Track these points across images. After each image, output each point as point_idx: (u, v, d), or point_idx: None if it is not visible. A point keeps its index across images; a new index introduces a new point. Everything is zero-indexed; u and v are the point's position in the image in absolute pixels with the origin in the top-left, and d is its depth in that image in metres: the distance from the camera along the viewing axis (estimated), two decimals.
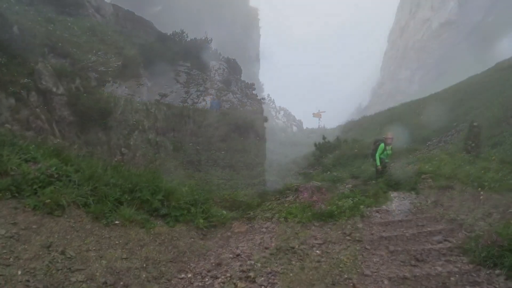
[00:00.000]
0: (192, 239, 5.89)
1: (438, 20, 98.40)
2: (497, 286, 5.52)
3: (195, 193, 6.88)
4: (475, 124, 23.52)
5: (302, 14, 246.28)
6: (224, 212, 7.22)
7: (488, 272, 5.99)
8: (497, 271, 5.91)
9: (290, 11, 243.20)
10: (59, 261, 4.44)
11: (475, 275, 5.92)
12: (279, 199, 10.58)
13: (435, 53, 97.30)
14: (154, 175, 6.54)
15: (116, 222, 5.62)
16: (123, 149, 27.10)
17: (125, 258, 4.88)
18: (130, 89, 27.16)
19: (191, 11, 50.62)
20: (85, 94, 22.89)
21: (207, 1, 57.71)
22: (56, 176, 5.65)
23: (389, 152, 13.22)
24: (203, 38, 54.33)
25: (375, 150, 13.32)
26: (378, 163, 13.01)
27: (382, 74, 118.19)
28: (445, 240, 7.79)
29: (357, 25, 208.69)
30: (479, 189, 13.53)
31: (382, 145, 13.02)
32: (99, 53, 24.44)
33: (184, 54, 37.43)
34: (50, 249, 4.59)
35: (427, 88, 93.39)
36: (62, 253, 4.57)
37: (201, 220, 6.35)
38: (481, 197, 12.72)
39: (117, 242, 5.22)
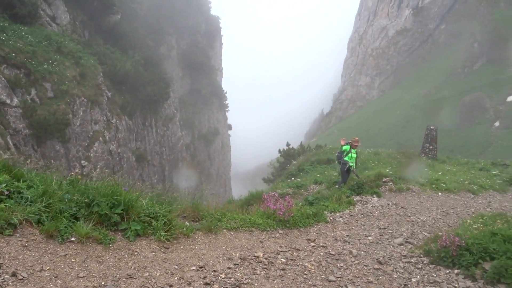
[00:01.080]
0: (154, 253, 5.73)
1: (395, 28, 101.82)
2: (456, 285, 5.67)
3: (157, 205, 6.70)
4: (432, 127, 24.41)
5: (264, 22, 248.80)
6: (188, 223, 7.08)
7: (447, 271, 6.15)
8: (456, 271, 6.08)
9: (252, 20, 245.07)
10: (10, 283, 4.19)
11: (435, 275, 6.06)
12: (244, 208, 10.51)
13: (393, 60, 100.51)
14: (113, 188, 6.32)
15: (72, 239, 5.38)
16: (82, 161, 26.30)
17: (82, 277, 4.66)
18: (89, 99, 26.43)
19: (152, 20, 50.01)
20: (41, 106, 22.08)
21: (168, 9, 57.20)
22: (6, 193, 5.36)
23: (354, 155, 13.41)
24: (165, 46, 53.83)
25: (341, 153, 13.53)
26: (353, 165, 13.28)
27: (343, 80, 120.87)
28: (407, 242, 7.96)
29: (319, 32, 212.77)
30: (437, 190, 14.05)
31: (347, 147, 13.23)
32: (55, 63, 23.66)
33: (145, 63, 36.88)
34: (0, 271, 4.33)
35: (386, 93, 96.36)
36: (13, 274, 4.32)
37: (163, 233, 6.18)
38: (439, 198, 13.19)
39: (73, 260, 4.99)
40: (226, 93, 74.67)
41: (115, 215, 6.02)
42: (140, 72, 35.10)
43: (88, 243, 5.44)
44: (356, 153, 13.69)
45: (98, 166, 27.34)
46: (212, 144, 64.28)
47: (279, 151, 29.65)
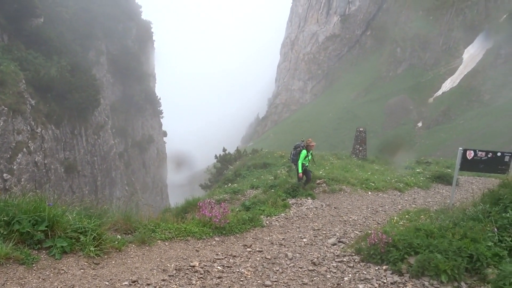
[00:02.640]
0: (82, 270, 5.43)
1: (324, 34, 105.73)
2: (384, 281, 5.93)
3: (85, 219, 6.38)
4: (361, 129, 25.53)
5: (199, 28, 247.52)
6: (119, 236, 6.80)
7: (376, 268, 6.43)
8: (384, 267, 6.37)
9: (187, 25, 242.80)
10: None
11: (365, 272, 6.31)
12: (180, 217, 10.32)
13: (323, 65, 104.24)
14: (36, 204, 5.92)
15: None
16: (4, 174, 24.50)
17: None
18: (10, 108, 24.71)
19: (79, 24, 47.85)
20: None
21: (97, 14, 55.02)
22: None
23: (310, 158, 13.50)
24: (94, 51, 51.70)
25: (296, 155, 13.36)
26: (300, 170, 13.19)
27: (277, 85, 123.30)
28: (339, 242, 8.23)
29: (252, 38, 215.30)
30: (367, 189, 14.70)
31: (304, 151, 13.19)
32: None
33: (72, 68, 35.16)
34: None
35: (319, 97, 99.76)
36: None
37: (92, 248, 5.89)
38: (369, 197, 13.81)
39: None
40: (160, 99, 73.25)
41: (39, 232, 5.65)
42: (67, 78, 33.42)
43: (8, 265, 5.05)
44: (312, 154, 13.77)
45: (23, 179, 25.62)
46: (147, 152, 62.70)
47: (216, 156, 29.55)
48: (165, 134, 76.35)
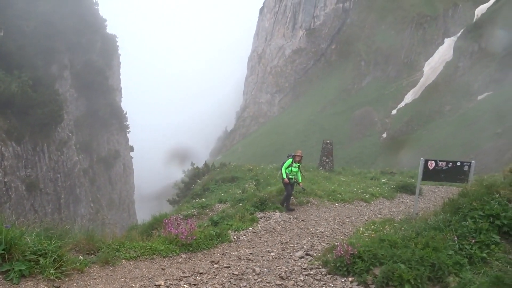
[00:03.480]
0: None
1: (291, 48, 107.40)
2: None
3: (45, 240, 6.14)
4: (327, 141, 25.91)
5: (161, 41, 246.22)
6: (81, 257, 6.59)
7: (343, 280, 6.48)
8: (350, 278, 6.44)
9: (151, 40, 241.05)
10: None
11: (332, 285, 6.36)
12: (146, 234, 10.13)
13: (290, 78, 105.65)
14: None
15: None
16: None
17: None
18: None
19: (41, 38, 46.65)
20: None
21: (60, 27, 53.84)
22: None
23: (294, 169, 13.05)
24: (57, 66, 50.48)
25: (283, 164, 13.13)
26: (284, 176, 13.00)
27: (244, 98, 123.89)
28: (307, 255, 8.26)
29: (219, 51, 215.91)
30: (334, 201, 14.88)
31: (289, 160, 13.05)
32: None
33: (34, 83, 34.17)
34: None
35: (286, 110, 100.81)
36: None
37: (52, 271, 5.67)
38: (336, 208, 13.97)
39: None
40: (126, 113, 72.08)
41: None
42: (28, 94, 32.44)
43: None
44: (299, 167, 13.31)
45: None
46: (113, 168, 61.35)
47: (184, 171, 29.24)
48: (131, 149, 75.05)
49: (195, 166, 29.59)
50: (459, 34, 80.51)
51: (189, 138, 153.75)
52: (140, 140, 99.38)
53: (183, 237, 7.83)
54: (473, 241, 6.36)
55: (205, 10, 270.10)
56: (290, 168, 12.98)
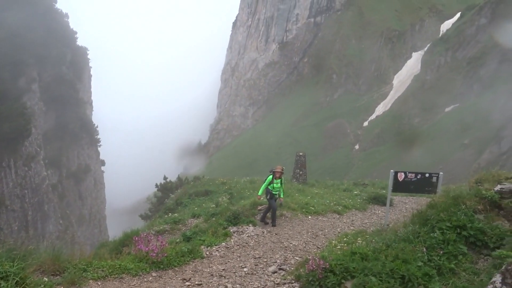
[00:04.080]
0: None
1: (264, 61, 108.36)
2: None
3: (7, 262, 5.89)
4: (300, 154, 26.07)
5: (135, 52, 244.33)
6: (46, 279, 6.34)
7: None
8: None
9: (123, 52, 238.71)
10: None
11: None
12: (117, 252, 9.89)
13: (264, 91, 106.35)
14: None
15: None
16: None
17: None
18: None
19: (8, 50, 45.50)
20: None
21: (28, 39, 52.65)
22: None
23: (276, 185, 12.91)
24: (24, 79, 49.21)
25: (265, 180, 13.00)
26: (260, 193, 12.92)
27: (218, 111, 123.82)
28: (280, 269, 8.21)
29: (193, 64, 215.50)
30: (307, 214, 14.91)
31: (270, 177, 12.93)
32: None
33: (0, 97, 33.19)
34: None
35: (260, 122, 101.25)
36: None
37: None
38: (309, 221, 14.01)
39: None
40: (97, 127, 70.79)
41: None
42: None
43: None
44: (281, 183, 13.14)
45: None
46: (83, 182, 59.92)
47: (157, 185, 28.78)
48: (103, 163, 73.57)
49: (168, 180, 29.18)
50: (426, 49, 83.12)
51: (163, 151, 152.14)
52: (112, 153, 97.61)
53: (154, 254, 7.67)
54: (441, 252, 6.48)
55: (178, 23, 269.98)
56: (272, 185, 12.88)
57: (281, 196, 13.39)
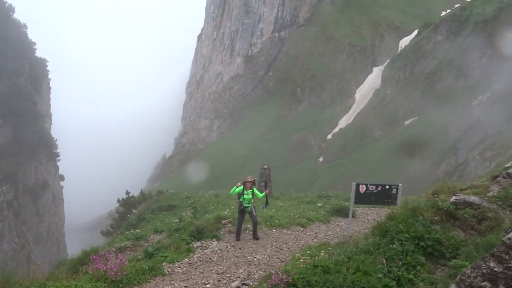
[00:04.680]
0: None
1: (229, 74, 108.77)
2: None
3: None
4: (265, 167, 26.16)
5: (99, 67, 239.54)
6: None
7: None
8: None
9: (85, 68, 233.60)
10: None
11: None
12: (73, 271, 9.53)
13: (229, 104, 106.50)
14: None
15: None
16: None
17: None
18: None
19: None
20: None
21: None
22: None
23: (247, 196, 12.45)
24: None
25: (238, 194, 12.56)
26: (248, 206, 12.37)
27: (183, 124, 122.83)
28: (243, 284, 8.13)
29: (158, 76, 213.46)
30: (272, 227, 14.90)
31: (240, 188, 12.60)
32: None
33: None
34: None
35: (225, 136, 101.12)
36: None
37: None
38: (273, 234, 13.99)
39: None
40: (56, 140, 68.47)
41: None
42: None
43: None
44: (252, 194, 12.63)
45: None
46: (40, 199, 57.64)
47: (118, 200, 28.05)
48: (62, 178, 71.09)
49: (130, 194, 28.50)
50: (386, 64, 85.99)
51: (126, 165, 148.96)
52: (72, 168, 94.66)
53: (112, 273, 7.42)
54: (401, 263, 6.60)
55: (142, 35, 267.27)
56: (243, 196, 12.45)
57: (251, 208, 12.70)
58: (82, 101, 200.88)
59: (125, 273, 7.71)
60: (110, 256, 8.05)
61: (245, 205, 12.46)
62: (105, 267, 7.48)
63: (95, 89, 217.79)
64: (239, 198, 12.64)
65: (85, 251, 12.39)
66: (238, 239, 12.54)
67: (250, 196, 12.51)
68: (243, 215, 12.67)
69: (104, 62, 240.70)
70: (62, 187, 70.98)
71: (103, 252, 8.10)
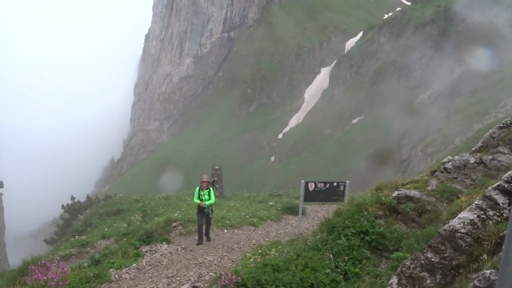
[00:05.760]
0: None
1: (178, 75, 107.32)
2: None
3: None
4: (216, 167, 26.06)
5: (45, 67, 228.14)
6: None
7: None
8: None
9: (31, 67, 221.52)
10: None
11: None
12: (13, 283, 9.03)
13: (179, 104, 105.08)
14: None
15: None
16: None
17: None
18: None
19: None
20: None
21: None
22: None
23: (203, 197, 12.01)
24: None
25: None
26: (195, 199, 12.08)
27: (132, 126, 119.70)
28: (194, 287, 8.02)
29: (104, 76, 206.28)
30: (223, 227, 14.84)
31: (197, 189, 12.15)
32: None
33: None
34: None
35: (176, 137, 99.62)
36: None
37: None
38: (225, 235, 13.94)
39: None
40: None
41: None
42: None
43: None
44: (209, 194, 12.15)
45: None
46: None
47: (63, 206, 26.86)
48: (1, 184, 66.98)
49: (76, 200, 27.36)
50: (333, 64, 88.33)
51: (71, 169, 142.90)
52: (12, 173, 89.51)
53: (53, 283, 7.05)
54: (347, 257, 6.76)
55: (88, 35, 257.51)
56: (200, 197, 12.07)
57: (211, 200, 12.32)
58: (23, 102, 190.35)
59: (67, 282, 7.36)
60: (52, 265, 7.65)
61: (204, 206, 11.95)
62: (45, 278, 7.10)
63: (38, 95, 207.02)
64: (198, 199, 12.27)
65: (26, 261, 11.76)
66: (200, 243, 12.12)
67: (207, 196, 12.15)
68: (202, 216, 12.19)
69: (47, 67, 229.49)
70: (1, 194, 66.94)
71: (43, 262, 7.69)
